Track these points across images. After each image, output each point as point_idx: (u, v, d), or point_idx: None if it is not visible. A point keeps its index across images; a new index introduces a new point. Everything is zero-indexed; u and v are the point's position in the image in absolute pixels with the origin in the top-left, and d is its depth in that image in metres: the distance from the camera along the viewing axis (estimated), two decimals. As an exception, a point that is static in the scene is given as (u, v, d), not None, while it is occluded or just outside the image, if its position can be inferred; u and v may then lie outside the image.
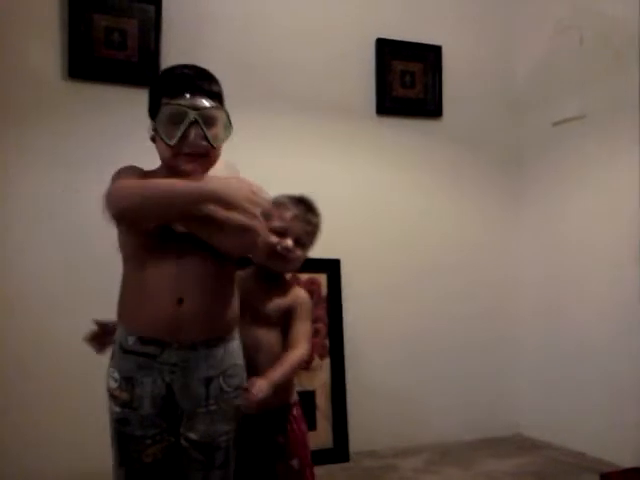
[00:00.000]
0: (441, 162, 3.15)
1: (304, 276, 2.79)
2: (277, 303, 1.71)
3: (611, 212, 2.76)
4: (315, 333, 2.78)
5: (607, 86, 2.79)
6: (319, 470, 2.62)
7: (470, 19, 3.25)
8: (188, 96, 1.43)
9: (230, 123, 1.50)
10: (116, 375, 1.45)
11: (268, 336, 1.68)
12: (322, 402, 2.75)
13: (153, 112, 1.48)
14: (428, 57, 3.12)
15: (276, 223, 1.70)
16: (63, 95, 2.56)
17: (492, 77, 3.28)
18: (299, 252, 1.73)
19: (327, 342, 2.80)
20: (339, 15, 2.99)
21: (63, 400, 2.42)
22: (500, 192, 3.27)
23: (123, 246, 1.48)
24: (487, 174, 3.25)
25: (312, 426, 2.70)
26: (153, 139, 1.51)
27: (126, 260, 1.48)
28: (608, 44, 2.79)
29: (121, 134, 2.57)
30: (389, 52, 3.05)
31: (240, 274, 1.61)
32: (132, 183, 1.40)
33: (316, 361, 2.77)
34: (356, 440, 2.79)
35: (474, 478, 2.54)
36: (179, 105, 1.43)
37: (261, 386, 1.51)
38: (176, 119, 1.42)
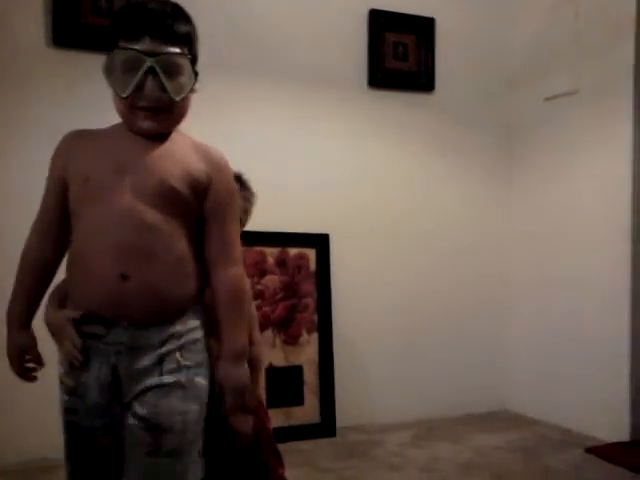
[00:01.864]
0: (432, 136, 3.11)
1: (293, 250, 2.76)
2: None
3: (602, 188, 2.74)
4: (303, 308, 2.76)
5: (601, 61, 2.76)
6: (306, 444, 2.65)
7: (465, -9, 3.20)
8: (147, 39, 1.21)
9: (195, 72, 1.28)
10: (62, 359, 1.29)
11: None
12: (310, 377, 2.75)
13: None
14: (421, 29, 3.07)
15: None
16: (48, 63, 2.49)
17: (485, 51, 3.23)
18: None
19: (315, 317, 2.79)
20: (331, -16, 2.93)
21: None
22: (491, 167, 3.24)
23: (69, 208, 1.30)
24: (478, 149, 3.22)
25: (299, 401, 2.71)
26: None
27: (71, 226, 1.30)
28: (604, 19, 2.75)
29: (109, 103, 2.50)
30: (382, 23, 2.99)
31: None
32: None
33: (304, 336, 2.75)
34: (343, 415, 2.79)
35: (462, 453, 2.55)
36: (133, 50, 1.21)
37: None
38: (130, 66, 1.21)
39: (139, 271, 1.21)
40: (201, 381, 1.28)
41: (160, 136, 1.29)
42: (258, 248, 2.69)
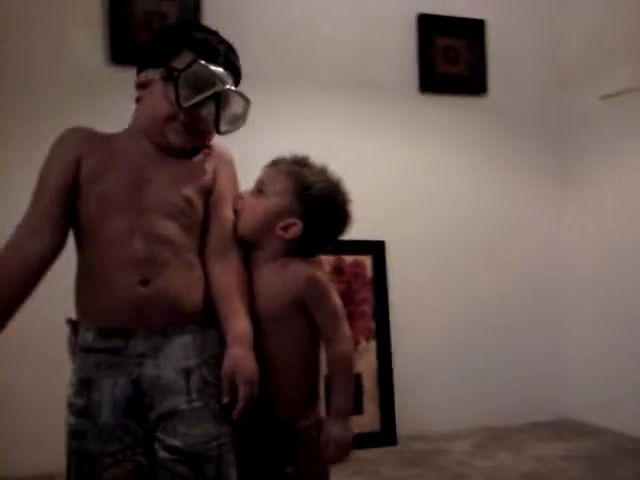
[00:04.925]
0: (487, 140, 3.07)
1: (349, 258, 2.76)
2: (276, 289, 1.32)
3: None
4: (361, 316, 2.75)
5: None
6: (367, 453, 2.62)
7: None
8: (221, 66, 1.23)
9: (245, 116, 1.29)
10: (73, 379, 1.21)
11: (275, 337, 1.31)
12: (369, 385, 2.73)
13: (164, 57, 1.24)
14: (472, 32, 3.03)
15: None
16: (107, 81, 2.56)
17: (538, 50, 3.18)
18: (251, 199, 1.35)
19: (373, 325, 2.77)
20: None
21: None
22: (546, 169, 3.17)
23: (78, 220, 1.24)
24: (533, 151, 3.15)
25: (359, 409, 2.69)
26: (143, 86, 1.27)
27: (79, 239, 1.25)
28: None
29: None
30: (431, 28, 2.97)
31: None
32: None
33: (362, 344, 2.74)
34: (403, 423, 2.76)
35: (526, 462, 2.48)
36: (215, 73, 1.21)
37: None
38: (201, 83, 1.20)
39: (156, 276, 1.19)
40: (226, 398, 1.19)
41: (178, 153, 1.28)
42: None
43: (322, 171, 1.39)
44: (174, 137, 1.24)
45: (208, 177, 1.28)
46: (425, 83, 2.97)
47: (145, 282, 1.18)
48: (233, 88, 1.26)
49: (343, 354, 1.31)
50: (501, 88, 3.10)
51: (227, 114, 1.26)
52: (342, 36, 2.87)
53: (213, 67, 1.22)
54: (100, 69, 2.57)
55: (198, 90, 1.20)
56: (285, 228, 1.32)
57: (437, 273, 2.96)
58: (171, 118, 1.23)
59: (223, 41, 1.30)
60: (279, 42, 2.77)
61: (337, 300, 1.35)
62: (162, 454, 1.15)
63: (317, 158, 2.94)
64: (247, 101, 1.28)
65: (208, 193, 1.28)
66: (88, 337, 1.21)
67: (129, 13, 2.57)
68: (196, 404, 1.17)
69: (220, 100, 1.22)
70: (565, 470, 2.39)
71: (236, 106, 1.27)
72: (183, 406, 1.16)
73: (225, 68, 1.25)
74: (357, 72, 2.89)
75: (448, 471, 2.39)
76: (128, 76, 2.54)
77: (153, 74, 1.25)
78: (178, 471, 1.14)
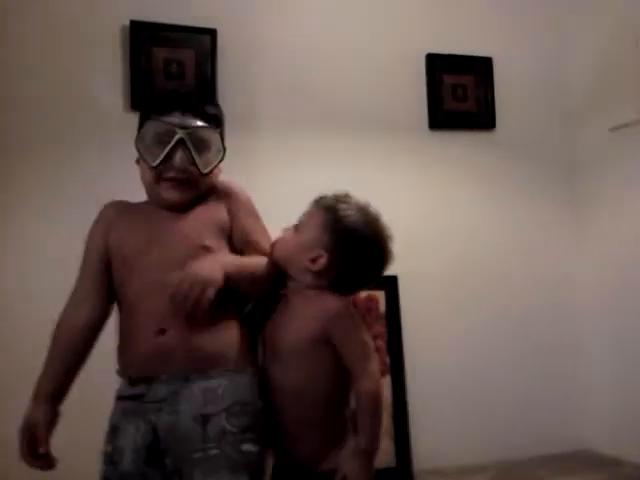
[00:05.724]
0: (496, 174, 3.11)
1: (362, 294, 2.79)
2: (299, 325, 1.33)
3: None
4: (375, 350, 2.76)
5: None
6: (382, 488, 2.61)
7: (519, 28, 3.22)
8: (178, 114, 1.29)
9: (223, 147, 1.32)
10: (107, 428, 1.27)
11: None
12: (384, 420, 2.72)
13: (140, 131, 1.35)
14: (479, 69, 3.11)
15: None
16: (126, 126, 2.65)
17: (545, 85, 3.23)
18: (287, 235, 1.41)
19: (387, 359, 2.79)
20: (387, 33, 3.02)
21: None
22: (557, 203, 3.20)
23: (112, 284, 1.34)
24: (543, 185, 3.18)
25: (374, 444, 2.69)
26: (138, 161, 1.37)
27: (116, 301, 1.36)
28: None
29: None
30: (439, 67, 3.05)
31: None
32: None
33: (376, 378, 2.76)
34: (419, 458, 2.76)
35: (543, 496, 2.47)
36: (165, 122, 1.27)
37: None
38: (161, 138, 1.27)
39: (175, 324, 1.22)
40: (250, 448, 1.18)
41: (184, 207, 1.34)
42: (327, 292, 2.73)
43: (360, 206, 1.43)
44: (167, 194, 1.32)
45: (222, 219, 1.34)
46: (434, 120, 3.03)
47: (163, 331, 1.23)
48: (198, 124, 1.29)
49: (369, 392, 1.33)
50: (509, 122, 3.15)
51: (210, 153, 1.31)
52: (354, 78, 2.96)
53: (166, 119, 1.28)
54: (120, 115, 2.67)
55: (164, 145, 1.27)
56: (314, 260, 1.34)
57: (450, 307, 2.97)
58: (156, 180, 1.32)
59: (179, 92, 1.43)
60: (291, 84, 2.85)
61: (366, 336, 1.36)
62: None
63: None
64: (215, 132, 1.32)
65: (227, 233, 1.33)
66: (122, 385, 1.29)
67: (147, 61, 2.68)
68: (213, 452, 1.15)
69: (187, 143, 1.26)
70: (584, 504, 2.37)
71: (212, 143, 1.32)
72: (199, 454, 1.15)
73: (187, 113, 1.29)
74: (368, 113, 2.96)
75: (464, 506, 2.39)
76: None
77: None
78: None
